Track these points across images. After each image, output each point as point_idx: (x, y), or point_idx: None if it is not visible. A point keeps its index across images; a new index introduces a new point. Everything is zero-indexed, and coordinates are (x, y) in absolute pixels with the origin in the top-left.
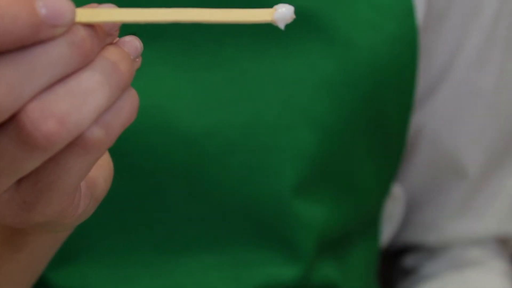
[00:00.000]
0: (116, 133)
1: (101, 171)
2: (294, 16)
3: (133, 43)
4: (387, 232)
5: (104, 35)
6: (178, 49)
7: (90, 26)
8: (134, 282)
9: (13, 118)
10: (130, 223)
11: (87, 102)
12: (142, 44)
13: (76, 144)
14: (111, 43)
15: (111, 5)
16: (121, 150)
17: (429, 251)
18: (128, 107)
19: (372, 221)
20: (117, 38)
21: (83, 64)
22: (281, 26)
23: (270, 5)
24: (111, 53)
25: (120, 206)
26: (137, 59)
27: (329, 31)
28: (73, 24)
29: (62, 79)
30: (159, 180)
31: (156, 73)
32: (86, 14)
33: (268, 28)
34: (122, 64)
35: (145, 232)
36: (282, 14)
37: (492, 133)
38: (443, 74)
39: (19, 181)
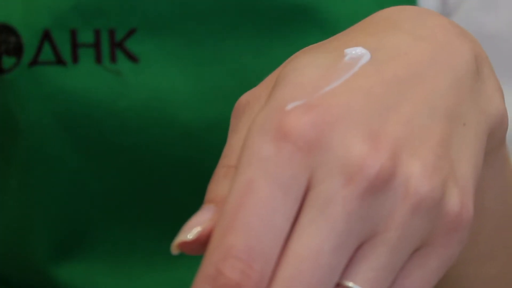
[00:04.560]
0: None
1: None
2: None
3: None
4: None
5: None
6: (179, 44)
7: None
8: (136, 278)
9: None
10: (132, 219)
11: None
12: None
13: None
14: None
15: None
16: (122, 145)
17: None
18: None
19: None
20: None
21: None
22: None
23: None
24: None
25: (122, 201)
26: None
27: (330, 24)
28: None
29: None
30: (161, 174)
31: (157, 67)
32: None
33: (268, 22)
34: None
35: (147, 227)
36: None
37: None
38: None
39: None
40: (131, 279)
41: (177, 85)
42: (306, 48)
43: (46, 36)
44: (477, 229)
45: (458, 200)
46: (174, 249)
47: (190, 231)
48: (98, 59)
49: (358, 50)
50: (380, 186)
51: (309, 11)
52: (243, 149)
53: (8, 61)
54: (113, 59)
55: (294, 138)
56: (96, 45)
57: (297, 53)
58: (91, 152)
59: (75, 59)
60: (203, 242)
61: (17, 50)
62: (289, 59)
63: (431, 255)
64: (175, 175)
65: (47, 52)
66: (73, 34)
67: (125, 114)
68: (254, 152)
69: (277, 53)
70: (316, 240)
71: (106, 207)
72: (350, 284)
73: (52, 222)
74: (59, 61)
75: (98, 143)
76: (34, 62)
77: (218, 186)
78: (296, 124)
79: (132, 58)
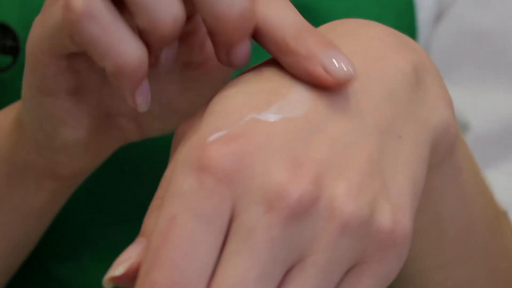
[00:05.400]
0: None
1: None
2: None
3: None
4: None
5: None
6: None
7: None
8: None
9: None
10: (130, 217)
11: None
12: None
13: None
14: None
15: None
16: None
17: None
18: None
19: None
20: None
21: None
22: None
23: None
24: None
25: (119, 200)
26: None
27: None
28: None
29: None
30: (157, 173)
31: None
32: None
33: None
34: None
35: None
36: None
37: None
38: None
39: None
40: None
41: None
42: (244, 72)
43: None
44: (438, 236)
45: (390, 216)
46: (106, 283)
47: (120, 266)
48: None
49: None
50: (302, 211)
51: (310, 11)
52: (169, 183)
53: (4, 60)
54: None
55: (215, 170)
56: None
57: (233, 80)
58: None
59: None
60: (132, 277)
61: (14, 49)
62: (228, 83)
63: (366, 272)
64: None
65: None
66: None
67: None
68: (177, 187)
69: None
70: (240, 269)
71: (104, 206)
72: None
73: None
74: None
75: None
76: None
77: (150, 219)
78: (216, 156)
79: None
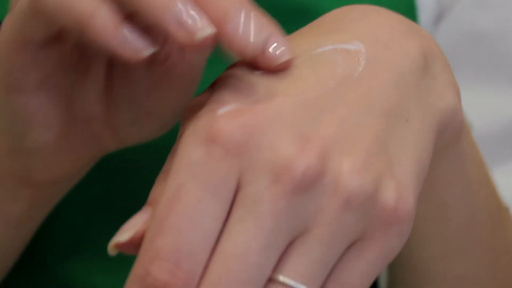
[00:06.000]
0: None
1: None
2: None
3: None
4: None
5: None
6: None
7: None
8: None
9: None
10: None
11: None
12: None
13: None
14: None
15: None
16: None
17: None
18: None
19: None
20: None
21: None
22: None
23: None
24: None
25: (121, 199)
26: None
27: None
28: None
29: None
30: (159, 173)
31: None
32: None
33: None
34: None
35: None
36: None
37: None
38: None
39: None
40: None
41: None
42: None
43: None
44: (442, 224)
45: (395, 193)
46: (111, 250)
47: (125, 233)
48: None
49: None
50: (307, 184)
51: (309, 11)
52: (176, 154)
53: None
54: None
55: (223, 141)
56: None
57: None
58: None
59: None
60: (137, 244)
61: None
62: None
63: (368, 248)
64: None
65: None
66: None
67: None
68: (184, 157)
69: None
70: (244, 238)
71: (105, 205)
72: (281, 278)
73: (51, 221)
74: None
75: None
76: None
77: (157, 189)
78: (226, 128)
79: None
